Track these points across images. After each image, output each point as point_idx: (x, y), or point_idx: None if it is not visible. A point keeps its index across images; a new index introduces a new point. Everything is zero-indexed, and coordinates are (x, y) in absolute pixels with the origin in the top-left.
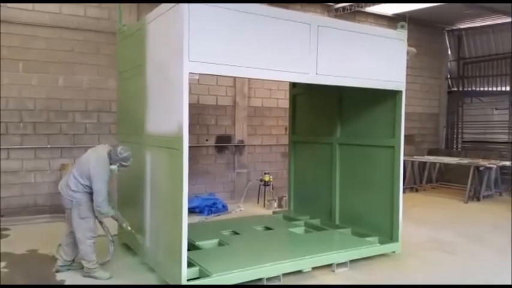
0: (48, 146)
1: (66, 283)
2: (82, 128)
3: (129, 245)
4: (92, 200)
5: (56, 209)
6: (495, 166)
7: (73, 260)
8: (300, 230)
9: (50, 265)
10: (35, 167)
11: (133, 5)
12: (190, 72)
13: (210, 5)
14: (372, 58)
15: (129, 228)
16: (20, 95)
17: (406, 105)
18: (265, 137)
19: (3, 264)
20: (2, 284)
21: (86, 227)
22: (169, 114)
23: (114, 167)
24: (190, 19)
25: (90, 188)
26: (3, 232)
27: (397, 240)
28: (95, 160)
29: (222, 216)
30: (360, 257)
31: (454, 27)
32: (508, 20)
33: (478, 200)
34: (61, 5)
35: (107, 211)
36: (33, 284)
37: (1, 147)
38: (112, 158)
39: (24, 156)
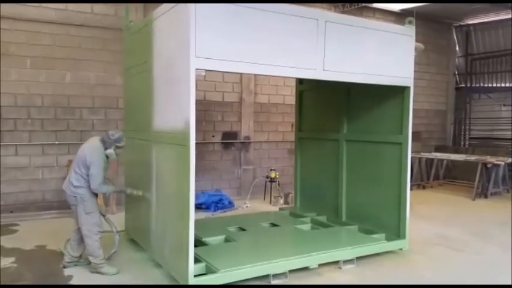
0: (56, 142)
1: (74, 279)
2: (89, 125)
3: (136, 241)
4: (96, 195)
5: (64, 205)
6: (503, 163)
7: (80, 256)
8: (306, 226)
9: (58, 261)
10: (43, 163)
11: (140, 4)
12: (196, 69)
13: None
14: (380, 54)
15: (135, 192)
16: (28, 92)
17: (413, 101)
18: (271, 133)
19: (12, 259)
20: (7, 282)
21: (92, 222)
22: (176, 110)
23: (110, 150)
24: (197, 15)
25: None
26: (12, 228)
27: (404, 237)
28: (89, 148)
29: (229, 213)
30: (366, 253)
31: (462, 23)
32: None
33: (486, 197)
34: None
35: (106, 190)
36: (34, 284)
37: (10, 143)
38: (106, 143)
39: (32, 152)
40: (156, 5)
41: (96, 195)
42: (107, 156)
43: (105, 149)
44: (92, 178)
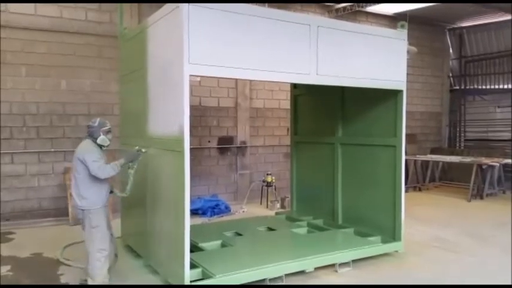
0: (52, 149)
1: None
2: (85, 132)
3: (132, 247)
4: (105, 205)
5: (60, 212)
6: (498, 164)
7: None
8: (302, 230)
9: (55, 268)
10: (39, 170)
11: (134, 8)
12: (190, 75)
13: (210, 7)
14: (372, 58)
15: (143, 150)
16: (23, 100)
17: (408, 104)
18: (267, 137)
19: (8, 267)
20: (3, 284)
21: (97, 238)
22: (171, 116)
23: (101, 137)
24: (190, 22)
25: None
26: (8, 236)
27: (399, 239)
28: (79, 149)
29: (225, 218)
30: (362, 256)
31: (456, 26)
32: (509, 17)
33: (482, 198)
34: (62, 10)
35: (113, 169)
36: (34, 284)
37: (6, 151)
38: (93, 134)
39: (28, 160)
40: (150, 10)
41: (105, 207)
42: (101, 147)
43: (95, 140)
44: (94, 169)
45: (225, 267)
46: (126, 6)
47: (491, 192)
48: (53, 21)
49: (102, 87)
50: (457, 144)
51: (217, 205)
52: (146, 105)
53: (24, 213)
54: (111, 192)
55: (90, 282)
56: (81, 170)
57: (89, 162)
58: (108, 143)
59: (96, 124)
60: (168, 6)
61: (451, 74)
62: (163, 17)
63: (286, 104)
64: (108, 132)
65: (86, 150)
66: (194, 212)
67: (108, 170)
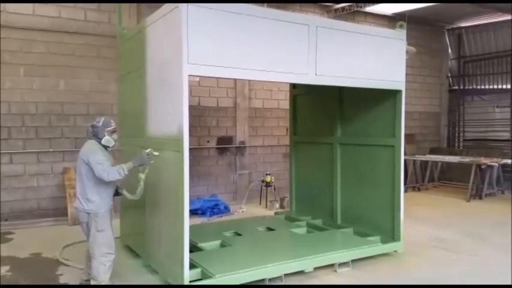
0: (51, 149)
1: None
2: (84, 132)
3: (131, 247)
4: (110, 208)
5: (59, 212)
6: (497, 164)
7: None
8: (302, 230)
9: (54, 268)
10: (38, 171)
11: (133, 8)
12: (190, 75)
13: (209, 7)
14: (371, 58)
15: (155, 153)
16: (22, 99)
17: (406, 104)
18: (266, 138)
19: (7, 267)
20: (2, 284)
21: (103, 242)
22: (170, 116)
23: (106, 138)
24: (189, 22)
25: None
26: (7, 236)
27: (398, 239)
28: (83, 150)
29: (224, 218)
30: (361, 256)
31: (454, 26)
32: (508, 17)
33: (480, 198)
34: (60, 9)
35: (118, 174)
36: (33, 285)
37: (4, 151)
38: (98, 134)
39: (26, 160)
40: (149, 10)
41: (110, 211)
42: (106, 147)
43: (100, 140)
44: (99, 171)
45: (224, 267)
46: (124, 6)
47: (490, 193)
48: (52, 21)
49: (101, 87)
50: (456, 144)
51: (216, 205)
52: (145, 105)
53: (23, 214)
54: (119, 194)
55: (93, 283)
56: (85, 171)
57: (93, 164)
58: (113, 143)
59: (100, 124)
60: (167, 6)
61: (449, 74)
62: (162, 17)
63: (285, 104)
64: (113, 132)
65: (90, 151)
66: (193, 212)
67: (113, 173)
